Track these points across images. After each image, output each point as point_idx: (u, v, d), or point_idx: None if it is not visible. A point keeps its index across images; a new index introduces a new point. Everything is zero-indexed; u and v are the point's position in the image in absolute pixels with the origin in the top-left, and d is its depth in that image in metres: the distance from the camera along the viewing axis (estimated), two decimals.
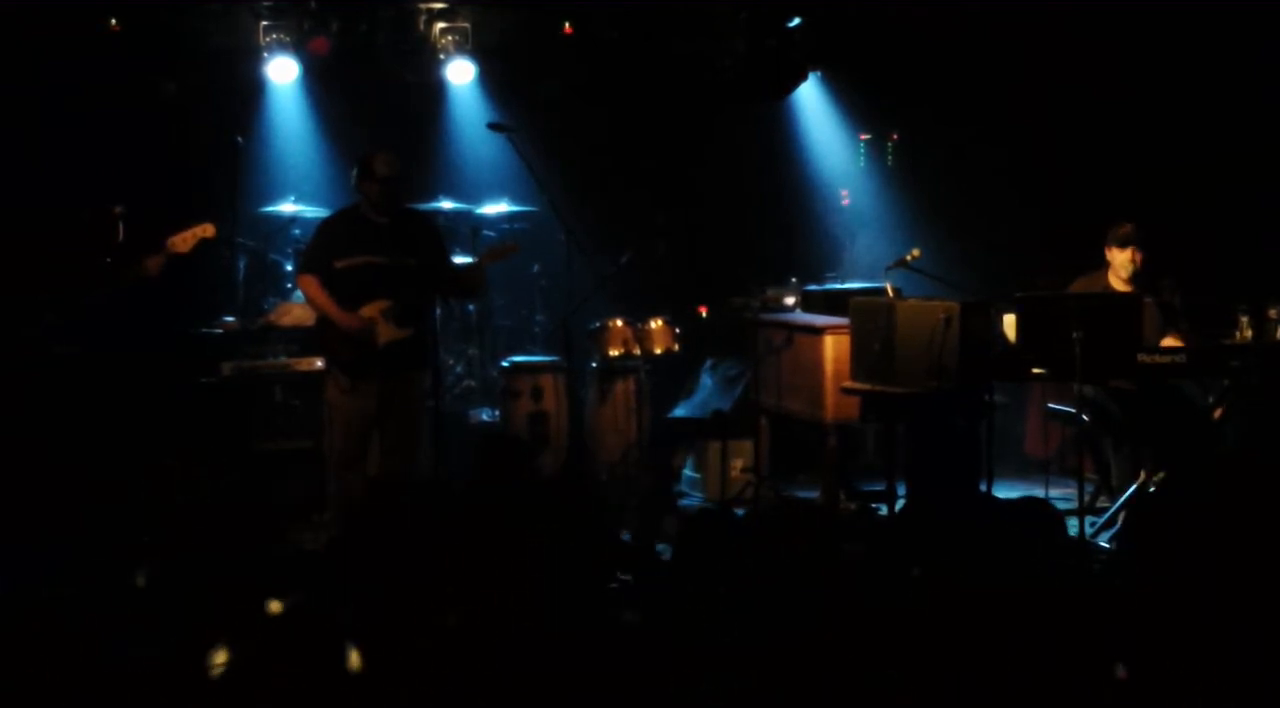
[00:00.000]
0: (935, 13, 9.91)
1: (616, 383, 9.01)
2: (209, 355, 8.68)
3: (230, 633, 3.81)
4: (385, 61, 9.99)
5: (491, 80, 10.22)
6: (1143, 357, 7.24)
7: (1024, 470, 9.34)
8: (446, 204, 9.85)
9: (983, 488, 7.26)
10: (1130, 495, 7.62)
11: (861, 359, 7.45)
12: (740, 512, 7.99)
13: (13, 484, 6.96)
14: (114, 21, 9.36)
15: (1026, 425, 9.65)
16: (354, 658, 3.67)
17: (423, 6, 9.98)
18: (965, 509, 5.22)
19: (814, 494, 8.47)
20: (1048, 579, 4.53)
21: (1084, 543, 7.27)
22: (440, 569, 4.55)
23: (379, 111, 10.04)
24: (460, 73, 10.09)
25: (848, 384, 7.59)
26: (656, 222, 9.20)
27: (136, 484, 7.52)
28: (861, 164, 11.07)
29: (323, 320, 7.43)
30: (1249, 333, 7.52)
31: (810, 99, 10.84)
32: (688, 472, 9.28)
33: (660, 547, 6.48)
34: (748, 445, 8.75)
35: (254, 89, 10.01)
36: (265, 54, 9.79)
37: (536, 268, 9.89)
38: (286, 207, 9.63)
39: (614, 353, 8.93)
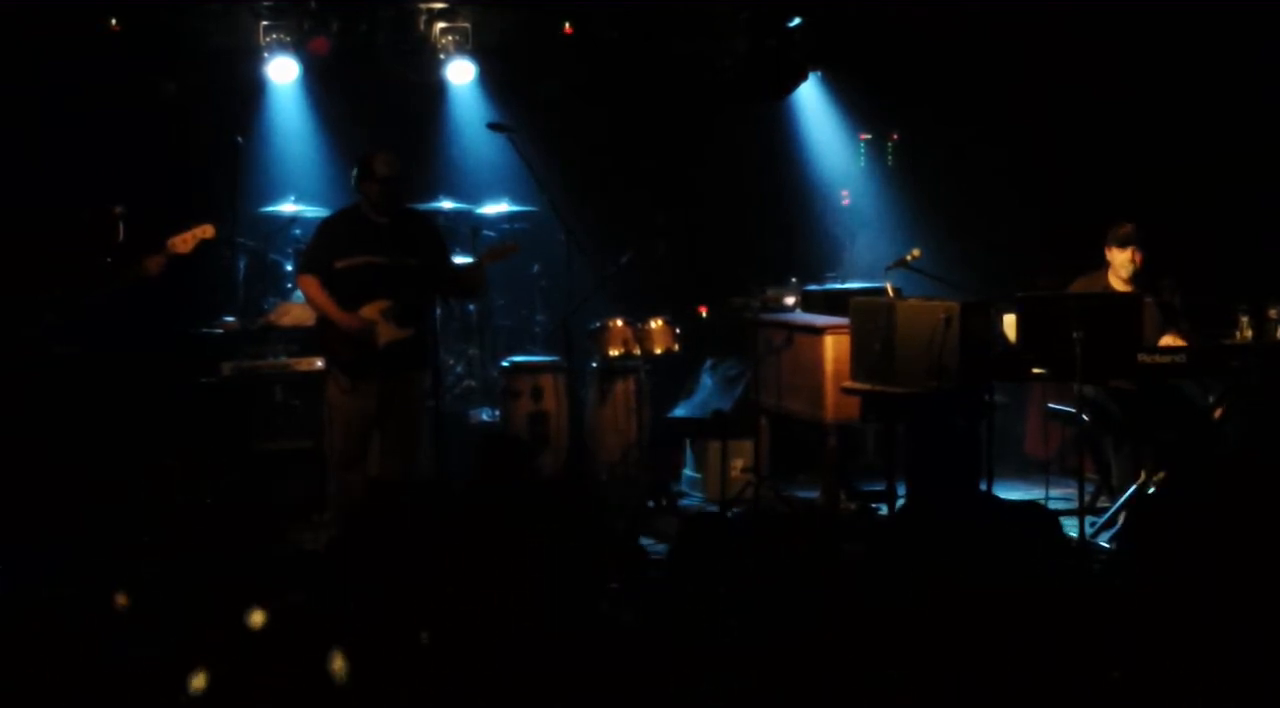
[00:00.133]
0: (935, 13, 9.91)
1: (617, 383, 9.01)
2: (209, 355, 8.68)
3: (229, 633, 3.81)
4: (385, 61, 9.99)
5: (491, 80, 10.22)
6: (1143, 357, 7.24)
7: (1024, 470, 9.34)
8: (446, 204, 9.85)
9: (983, 488, 7.25)
10: (1130, 495, 7.61)
11: (861, 359, 7.45)
12: (740, 512, 8.03)
13: (13, 484, 6.96)
14: (114, 21, 9.36)
15: (1026, 425, 9.65)
16: (338, 665, 3.66)
17: (423, 6, 9.98)
18: (963, 509, 5.22)
19: (814, 494, 8.47)
20: (1046, 579, 4.52)
21: (1084, 543, 7.27)
22: (440, 569, 4.55)
23: (379, 111, 10.04)
24: (460, 73, 10.09)
25: (848, 384, 7.59)
26: (656, 222, 9.20)
27: (136, 484, 7.52)
28: (861, 164, 11.07)
29: (323, 320, 7.43)
30: (1249, 333, 7.52)
31: (810, 99, 10.84)
32: (688, 472, 9.28)
33: (655, 545, 6.50)
34: (748, 445, 8.74)
35: (254, 89, 10.01)
36: (265, 54, 9.78)
37: (536, 268, 9.89)
38: (286, 207, 9.62)
39: (614, 353, 8.93)
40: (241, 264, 9.31)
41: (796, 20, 10.08)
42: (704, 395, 9.41)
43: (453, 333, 9.70)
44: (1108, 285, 7.89)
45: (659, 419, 9.27)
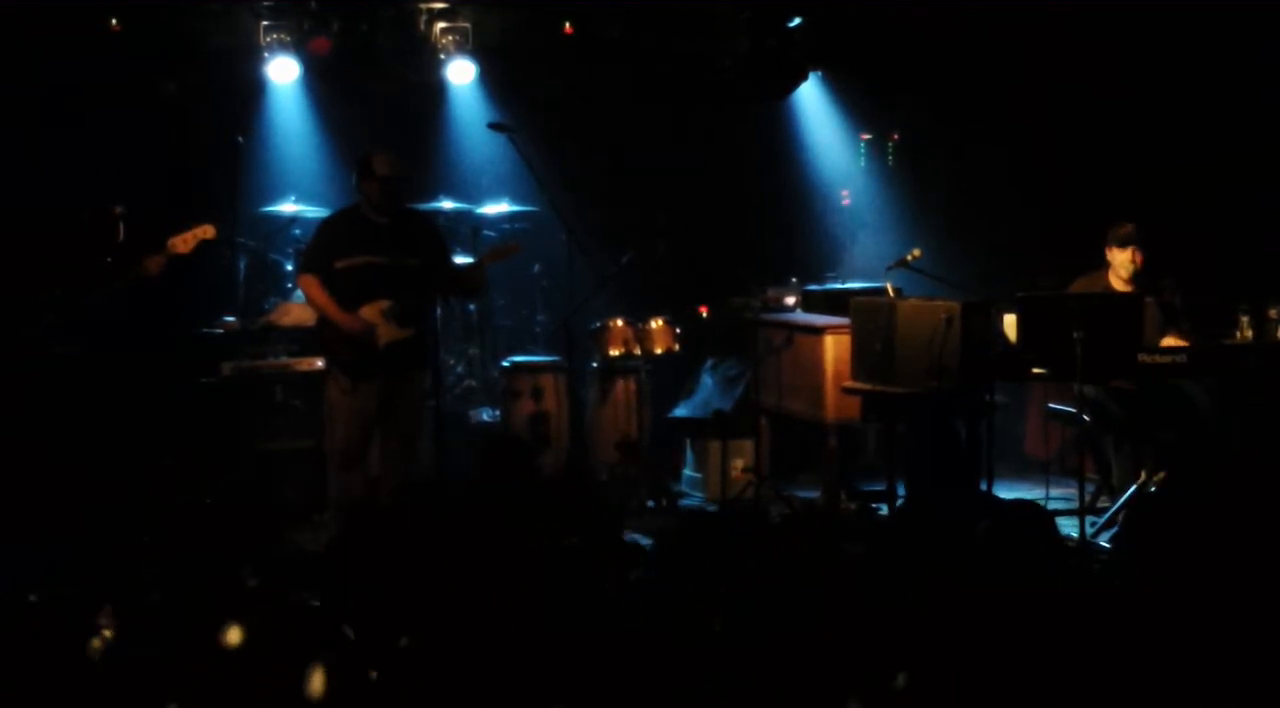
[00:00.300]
0: (935, 13, 9.90)
1: (617, 383, 9.01)
2: (209, 355, 8.67)
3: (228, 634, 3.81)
4: (386, 61, 9.99)
5: (492, 80, 10.22)
6: (1143, 357, 7.24)
7: (1024, 471, 9.34)
8: (447, 204, 9.85)
9: (983, 488, 7.25)
10: (1130, 495, 7.61)
11: (862, 359, 7.45)
12: (739, 512, 8.03)
13: (13, 484, 6.96)
14: (114, 21, 9.35)
15: (1027, 425, 9.65)
16: (316, 683, 3.65)
17: (423, 6, 9.98)
18: (959, 508, 5.22)
19: (814, 494, 8.47)
20: (1043, 579, 4.52)
21: (1084, 543, 7.26)
22: (440, 569, 4.55)
23: (379, 112, 10.03)
24: (461, 73, 10.08)
25: (848, 384, 7.59)
26: (656, 222, 9.19)
27: (136, 484, 7.51)
28: (862, 164, 11.07)
29: (323, 320, 7.43)
30: (1249, 333, 7.52)
31: (810, 99, 10.84)
32: (688, 472, 9.28)
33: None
34: (748, 445, 8.75)
35: (254, 89, 10.01)
36: (265, 54, 9.77)
37: (537, 268, 9.89)
38: (287, 206, 9.62)
39: (614, 353, 8.93)
40: (242, 264, 9.31)
41: (796, 20, 10.07)
42: (704, 395, 9.41)
43: (453, 333, 9.70)
44: (1108, 285, 7.88)
45: (659, 419, 9.27)
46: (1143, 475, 7.65)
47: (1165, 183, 9.56)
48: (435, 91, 10.28)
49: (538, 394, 9.01)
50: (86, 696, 3.85)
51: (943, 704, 3.75)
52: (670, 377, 9.48)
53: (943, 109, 10.42)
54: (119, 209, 7.43)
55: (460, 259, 8.56)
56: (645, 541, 7.17)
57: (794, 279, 10.02)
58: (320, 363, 8.04)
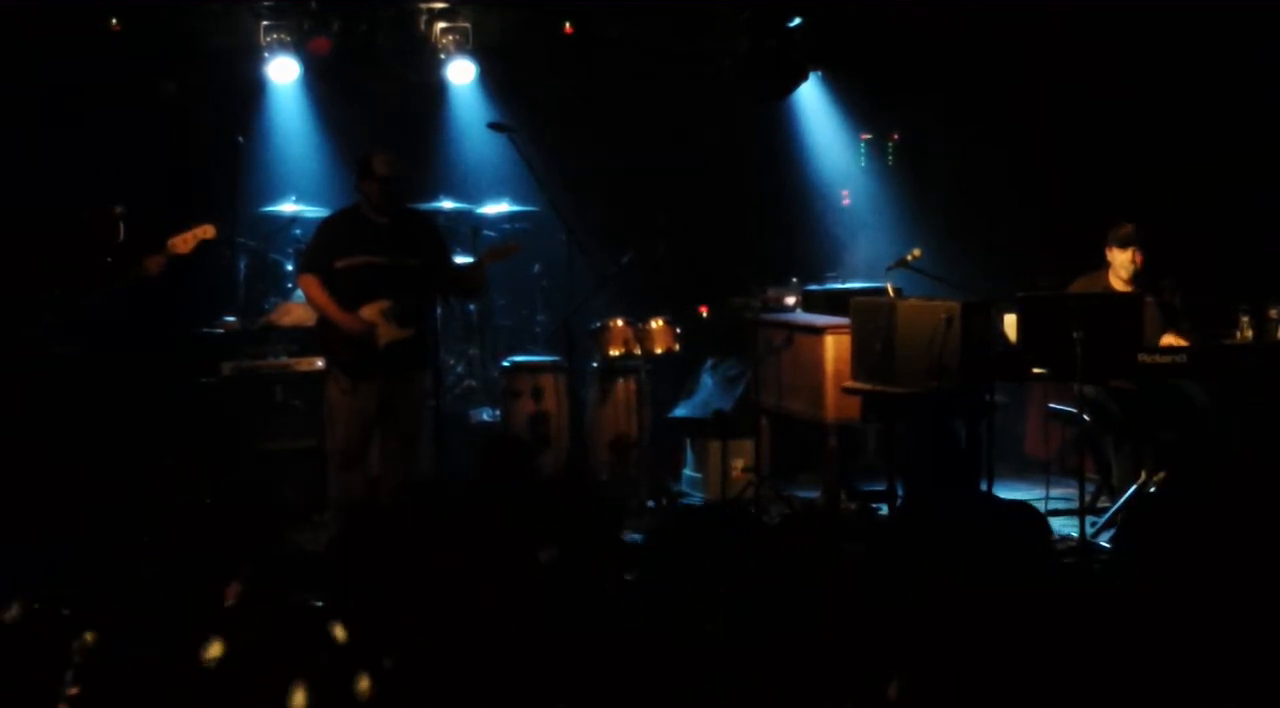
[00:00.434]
0: (935, 13, 9.91)
1: (617, 383, 9.01)
2: (209, 355, 8.68)
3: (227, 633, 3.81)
4: (386, 61, 9.99)
5: (492, 80, 10.22)
6: (1143, 357, 7.24)
7: (1024, 471, 9.34)
8: (447, 204, 9.85)
9: (983, 488, 7.25)
10: (1130, 496, 7.62)
11: (862, 359, 7.45)
12: (727, 509, 8.02)
13: (13, 484, 6.96)
14: (114, 21, 9.35)
15: (1027, 425, 9.65)
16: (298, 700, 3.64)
17: (423, 6, 9.98)
18: (953, 508, 5.21)
19: (814, 494, 8.47)
20: (1035, 579, 4.52)
21: (1084, 543, 7.27)
22: (440, 569, 4.55)
23: (379, 112, 10.04)
24: (461, 72, 10.08)
25: (848, 384, 7.59)
26: (656, 222, 9.20)
27: (136, 484, 7.51)
28: (862, 164, 11.07)
29: (324, 321, 7.43)
30: (1249, 333, 7.52)
31: (810, 99, 10.84)
32: (688, 472, 9.28)
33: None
34: (748, 445, 8.75)
35: (254, 89, 10.01)
36: (265, 54, 9.78)
37: (537, 268, 9.89)
38: (287, 206, 9.62)
39: (615, 353, 8.93)
40: (242, 264, 9.31)
41: (796, 20, 10.07)
42: (704, 395, 9.41)
43: (453, 333, 9.70)
44: (1108, 285, 7.89)
45: (660, 419, 9.27)
46: (1143, 475, 7.65)
47: (1165, 183, 9.56)
48: (435, 91, 10.28)
49: (538, 394, 9.01)
50: (87, 696, 3.85)
51: (943, 705, 3.75)
52: (670, 377, 9.47)
53: (942, 109, 10.42)
54: (119, 209, 7.43)
55: (460, 259, 8.55)
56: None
57: (794, 279, 10.02)
58: (320, 363, 8.05)
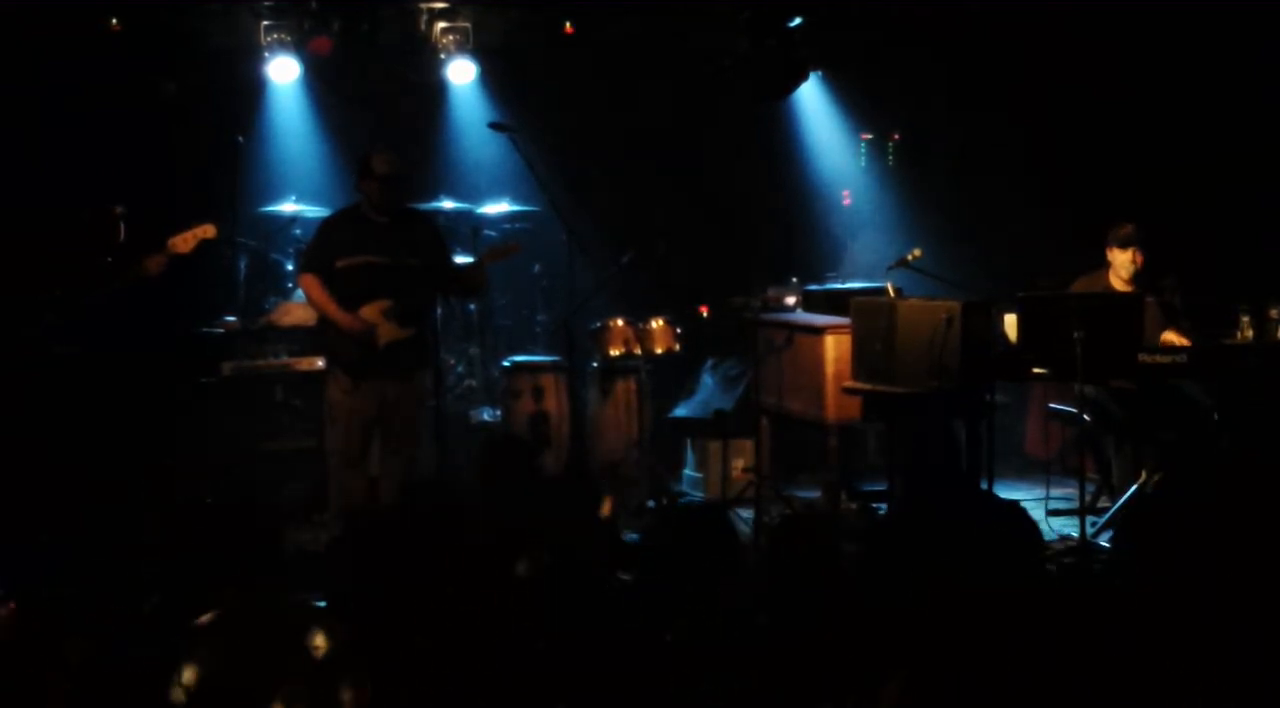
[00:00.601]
0: (936, 12, 9.90)
1: (617, 383, 9.01)
2: (209, 355, 8.68)
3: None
4: (386, 61, 9.99)
5: (492, 80, 10.22)
6: (1143, 357, 7.23)
7: (1024, 471, 9.34)
8: (447, 204, 9.85)
9: (983, 488, 7.25)
10: (1130, 496, 7.61)
11: (862, 359, 7.45)
12: (718, 508, 8.02)
13: (13, 484, 6.96)
14: (114, 21, 9.35)
15: (1027, 425, 9.65)
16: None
17: (424, 6, 9.98)
18: (948, 508, 5.21)
19: (815, 494, 8.47)
20: (1025, 579, 4.52)
21: (1084, 543, 7.26)
22: (440, 569, 4.55)
23: (379, 111, 10.04)
24: (461, 72, 10.08)
25: (849, 384, 7.59)
26: (656, 221, 9.19)
27: (136, 484, 7.51)
28: (862, 164, 11.07)
29: (324, 320, 7.44)
30: (1250, 333, 7.52)
31: (810, 99, 10.84)
32: (688, 471, 9.28)
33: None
34: (749, 445, 8.74)
35: (254, 89, 10.01)
36: (266, 54, 9.77)
37: (538, 267, 9.89)
38: (287, 206, 9.62)
39: (615, 353, 8.93)
40: (242, 264, 9.32)
41: (797, 20, 10.06)
42: (705, 395, 9.41)
43: (454, 333, 9.70)
44: (1108, 285, 7.89)
45: (660, 419, 9.27)
46: (1143, 475, 7.65)
47: (1165, 183, 9.56)
48: (435, 91, 10.28)
49: (538, 394, 9.01)
50: (87, 696, 3.85)
51: (943, 705, 3.75)
52: (670, 377, 9.48)
53: (943, 109, 10.42)
54: (119, 209, 7.43)
55: (460, 259, 8.55)
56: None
57: (794, 279, 10.01)
58: (320, 363, 8.05)
